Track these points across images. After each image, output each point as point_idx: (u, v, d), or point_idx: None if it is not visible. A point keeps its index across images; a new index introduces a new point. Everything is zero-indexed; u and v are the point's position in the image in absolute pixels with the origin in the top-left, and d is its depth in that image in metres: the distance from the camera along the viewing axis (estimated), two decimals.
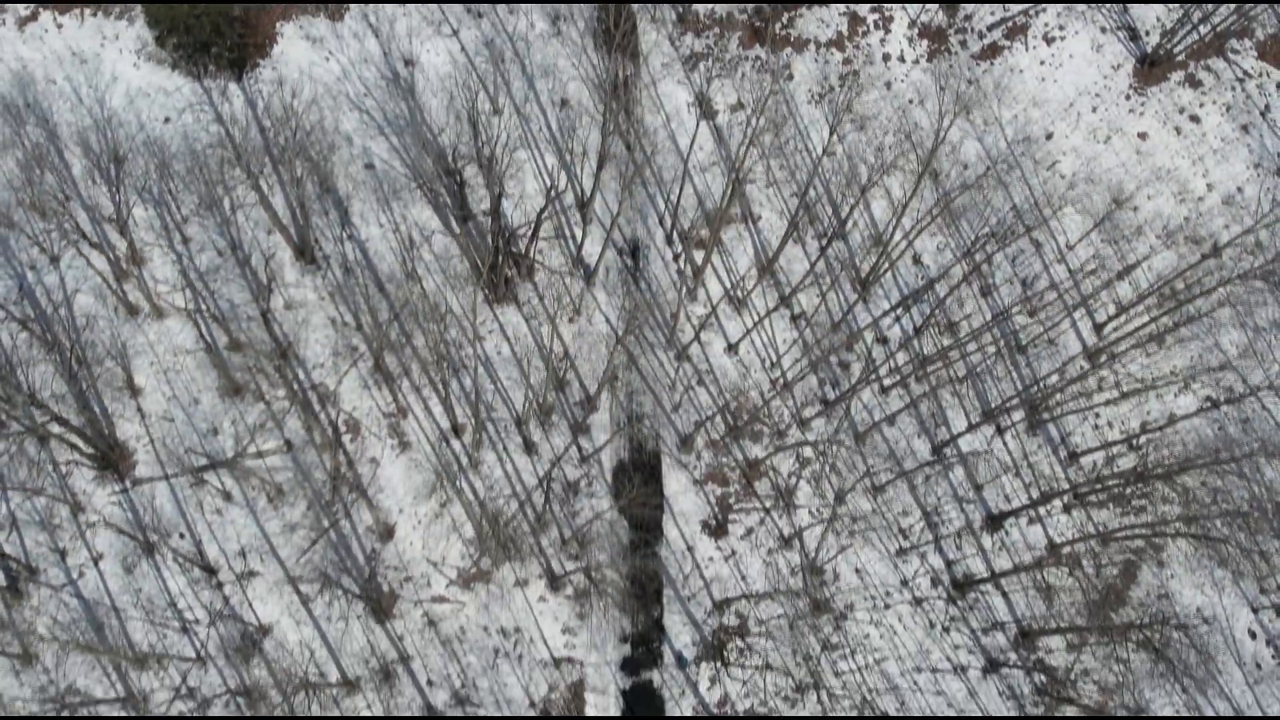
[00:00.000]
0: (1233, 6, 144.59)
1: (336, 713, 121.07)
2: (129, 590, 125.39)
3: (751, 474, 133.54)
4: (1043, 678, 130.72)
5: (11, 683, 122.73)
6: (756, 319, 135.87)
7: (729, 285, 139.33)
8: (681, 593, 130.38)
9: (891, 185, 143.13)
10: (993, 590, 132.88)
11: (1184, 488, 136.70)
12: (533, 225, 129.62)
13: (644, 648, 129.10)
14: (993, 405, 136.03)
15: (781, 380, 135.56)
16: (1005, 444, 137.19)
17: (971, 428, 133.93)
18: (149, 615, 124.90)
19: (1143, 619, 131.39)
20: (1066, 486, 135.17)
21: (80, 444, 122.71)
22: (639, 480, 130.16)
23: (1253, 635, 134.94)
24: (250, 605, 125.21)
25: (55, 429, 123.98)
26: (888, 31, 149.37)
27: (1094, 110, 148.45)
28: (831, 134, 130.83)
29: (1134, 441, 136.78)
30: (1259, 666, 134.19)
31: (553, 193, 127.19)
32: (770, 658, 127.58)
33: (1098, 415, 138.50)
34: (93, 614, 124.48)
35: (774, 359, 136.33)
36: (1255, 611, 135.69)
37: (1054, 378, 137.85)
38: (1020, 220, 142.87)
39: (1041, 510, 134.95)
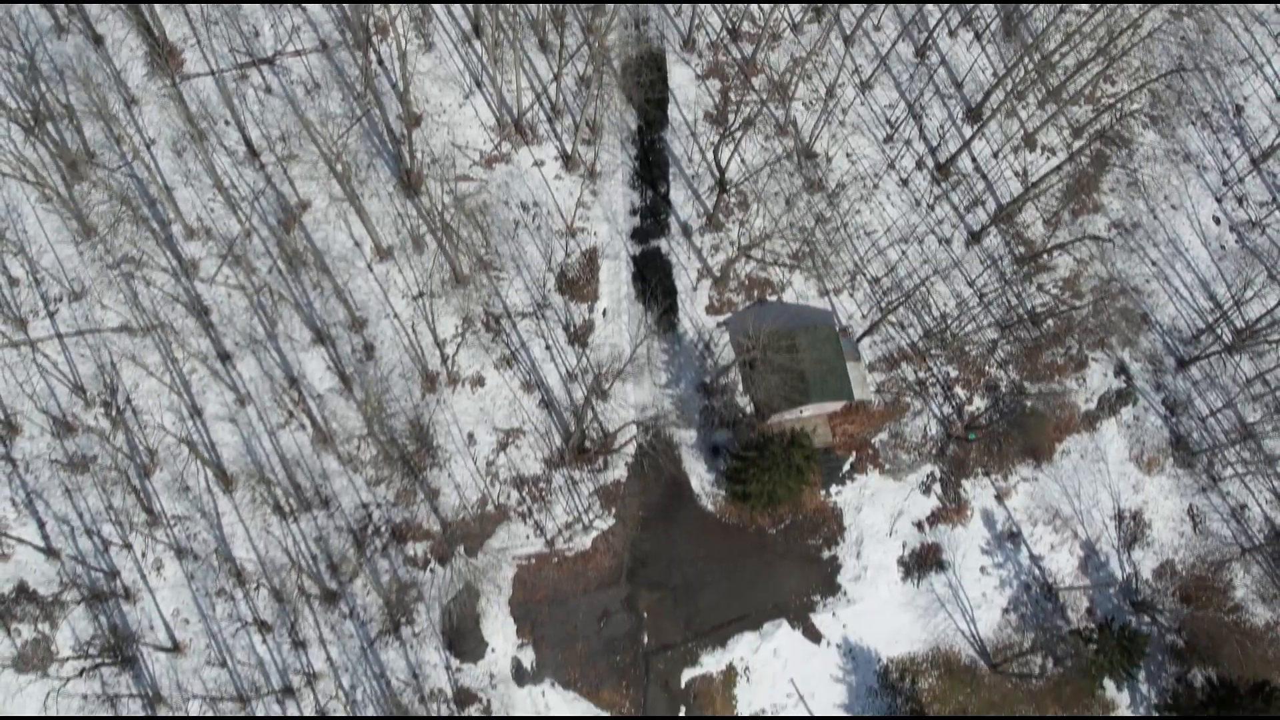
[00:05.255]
0: None
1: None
2: (179, 171, 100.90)
3: (749, 70, 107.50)
4: (1021, 248, 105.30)
5: (72, 252, 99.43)
6: None
7: None
8: (686, 171, 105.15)
9: None
10: (974, 173, 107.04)
11: (1151, 91, 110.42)
12: None
13: (652, 219, 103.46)
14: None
15: None
16: (983, 48, 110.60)
17: (944, 21, 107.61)
18: (197, 192, 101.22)
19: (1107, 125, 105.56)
20: (1041, 86, 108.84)
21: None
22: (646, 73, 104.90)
23: (1217, 221, 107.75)
24: (291, 183, 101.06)
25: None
26: None
27: None
28: None
29: (1105, 48, 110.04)
30: (1223, 248, 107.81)
31: None
32: (769, 230, 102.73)
33: (1069, 24, 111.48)
34: (145, 192, 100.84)
35: None
36: (1219, 200, 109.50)
37: None
38: None
39: (1017, 106, 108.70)
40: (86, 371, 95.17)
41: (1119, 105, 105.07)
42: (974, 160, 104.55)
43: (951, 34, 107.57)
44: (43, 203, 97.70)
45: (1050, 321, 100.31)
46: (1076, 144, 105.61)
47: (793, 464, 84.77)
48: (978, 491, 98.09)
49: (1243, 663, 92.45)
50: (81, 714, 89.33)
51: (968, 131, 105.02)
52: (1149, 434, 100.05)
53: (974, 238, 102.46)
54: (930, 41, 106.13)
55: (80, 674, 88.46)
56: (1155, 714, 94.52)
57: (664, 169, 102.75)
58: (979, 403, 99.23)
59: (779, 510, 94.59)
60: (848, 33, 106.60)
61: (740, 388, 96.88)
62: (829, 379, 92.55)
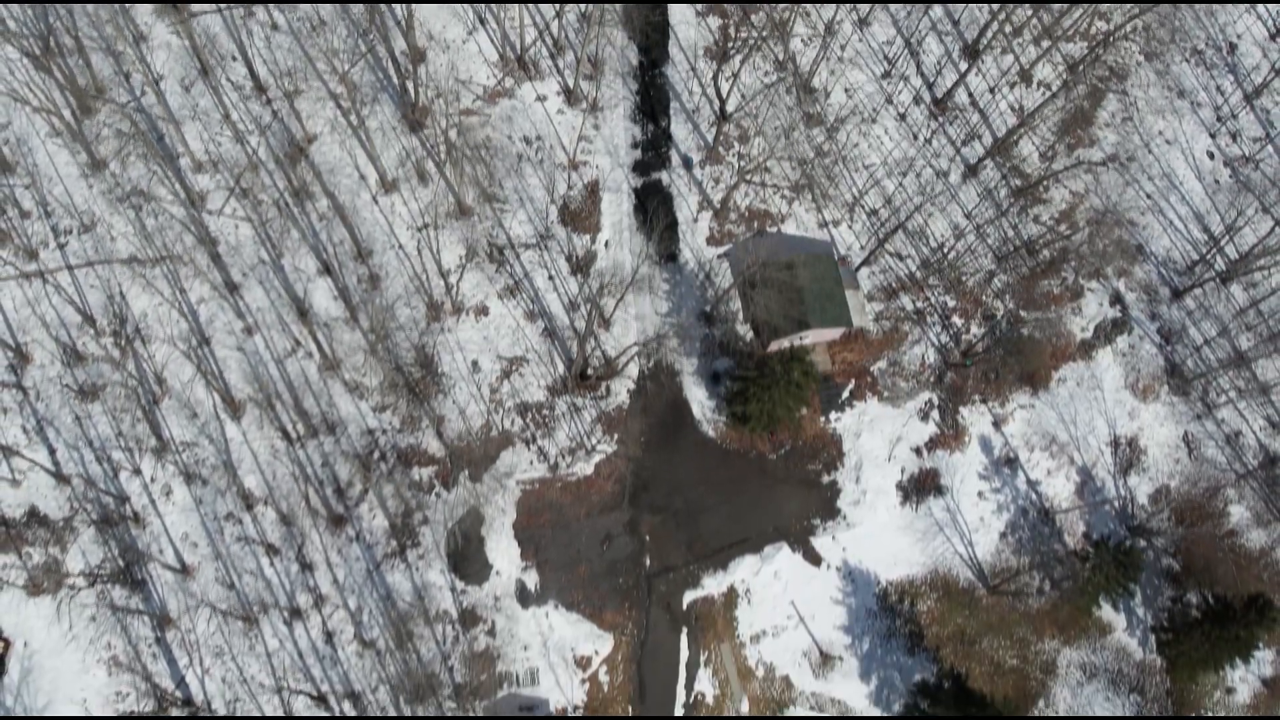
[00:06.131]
0: None
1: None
2: (187, 106, 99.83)
3: (748, 7, 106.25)
4: (1018, 181, 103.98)
5: (81, 185, 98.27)
6: None
7: None
8: (686, 105, 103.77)
9: None
10: (970, 108, 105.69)
11: (1145, 28, 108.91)
12: None
13: (653, 152, 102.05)
14: None
15: None
16: None
17: None
18: (205, 126, 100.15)
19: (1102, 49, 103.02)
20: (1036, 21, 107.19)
21: None
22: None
23: (1211, 156, 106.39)
24: (297, 117, 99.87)
25: None
26: None
27: None
28: None
29: None
30: (1217, 182, 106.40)
31: None
32: (769, 163, 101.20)
33: None
34: (154, 125, 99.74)
35: None
36: (1212, 136, 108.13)
37: None
38: None
39: (1015, 43, 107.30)
40: (96, 301, 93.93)
41: (1114, 34, 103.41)
42: (970, 95, 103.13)
43: None
44: (53, 136, 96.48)
45: (1046, 252, 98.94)
46: (1073, 76, 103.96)
47: (792, 380, 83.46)
48: (975, 418, 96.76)
49: (1238, 583, 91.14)
50: (97, 637, 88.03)
51: (964, 67, 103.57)
52: (1144, 362, 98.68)
53: (971, 171, 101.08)
54: None
55: (92, 584, 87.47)
56: (1152, 635, 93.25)
57: (665, 104, 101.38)
58: (976, 331, 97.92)
59: (779, 434, 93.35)
60: None
61: (741, 316, 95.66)
62: (828, 306, 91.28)
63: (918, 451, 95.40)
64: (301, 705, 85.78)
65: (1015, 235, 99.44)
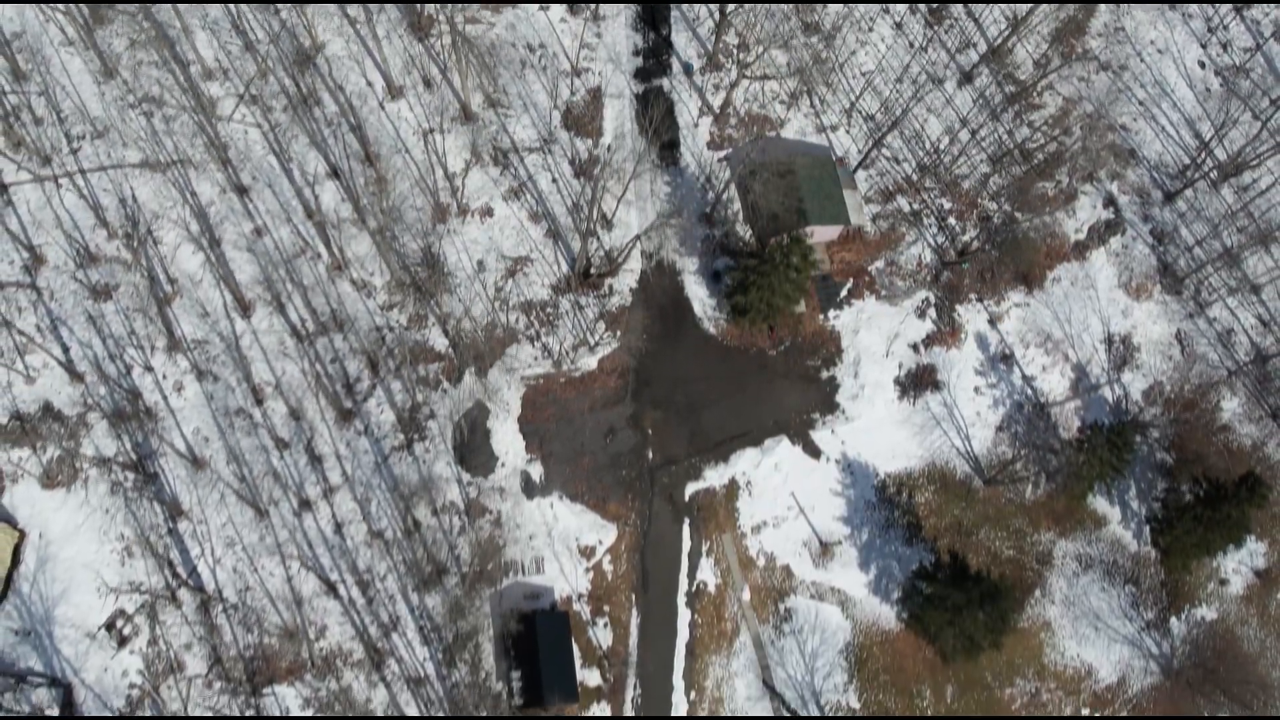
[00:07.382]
0: None
1: None
2: (197, 15, 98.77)
3: None
4: (1012, 87, 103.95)
5: (94, 92, 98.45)
6: None
7: None
8: (687, 14, 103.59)
9: None
10: (965, 17, 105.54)
11: None
12: None
13: (654, 59, 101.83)
14: None
15: None
16: None
17: None
18: (215, 35, 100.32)
19: None
20: None
21: None
22: None
23: (1202, 65, 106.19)
24: (306, 25, 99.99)
25: None
26: None
27: None
28: None
29: None
30: (1208, 90, 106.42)
31: None
32: (768, 70, 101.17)
33: None
34: (165, 34, 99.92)
35: None
36: (1203, 46, 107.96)
37: None
38: None
39: None
40: (108, 204, 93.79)
41: None
42: (965, 4, 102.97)
43: None
44: (65, 45, 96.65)
45: (1040, 155, 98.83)
46: None
47: (790, 265, 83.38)
48: (971, 315, 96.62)
49: (1230, 473, 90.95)
50: (109, 527, 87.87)
51: None
52: (1137, 262, 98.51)
53: (966, 78, 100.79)
54: None
55: (106, 471, 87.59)
56: (1146, 527, 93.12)
57: (665, 12, 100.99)
58: (972, 232, 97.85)
59: (778, 330, 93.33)
60: None
61: (741, 217, 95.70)
62: (826, 204, 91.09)
63: (915, 348, 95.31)
64: (312, 585, 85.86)
65: (1010, 138, 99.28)
